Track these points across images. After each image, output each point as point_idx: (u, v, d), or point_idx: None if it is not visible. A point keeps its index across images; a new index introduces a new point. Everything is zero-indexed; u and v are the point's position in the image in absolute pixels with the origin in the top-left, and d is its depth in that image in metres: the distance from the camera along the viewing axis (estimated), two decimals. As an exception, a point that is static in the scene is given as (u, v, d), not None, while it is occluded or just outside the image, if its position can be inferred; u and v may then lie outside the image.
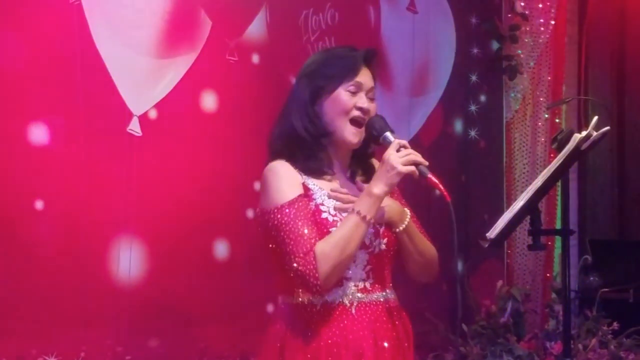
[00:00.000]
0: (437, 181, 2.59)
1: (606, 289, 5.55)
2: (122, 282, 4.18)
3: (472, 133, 5.79)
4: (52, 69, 4.03)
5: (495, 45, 5.87)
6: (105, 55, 4.16)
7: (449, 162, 5.67)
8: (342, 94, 2.66)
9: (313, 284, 2.53)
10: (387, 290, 2.75)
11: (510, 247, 5.77)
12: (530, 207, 3.08)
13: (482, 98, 5.84)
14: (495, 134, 5.91)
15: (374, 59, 2.75)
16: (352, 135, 2.67)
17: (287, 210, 2.56)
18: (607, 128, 3.08)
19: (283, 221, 2.55)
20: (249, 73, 4.64)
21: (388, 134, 2.64)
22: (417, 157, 2.59)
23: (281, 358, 2.63)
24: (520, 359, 4.95)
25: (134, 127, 4.26)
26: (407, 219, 2.75)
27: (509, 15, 5.88)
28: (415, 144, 5.37)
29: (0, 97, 3.92)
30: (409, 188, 2.93)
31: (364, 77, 2.69)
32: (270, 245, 2.62)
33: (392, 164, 2.55)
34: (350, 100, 2.66)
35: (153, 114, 4.31)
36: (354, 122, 2.67)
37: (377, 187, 2.57)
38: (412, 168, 2.57)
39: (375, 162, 2.81)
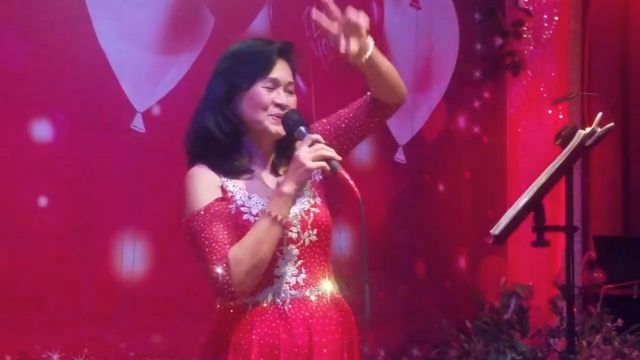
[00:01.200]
0: (347, 177, 2.47)
1: (610, 286, 5.54)
2: (125, 279, 4.19)
3: (476, 129, 5.78)
4: (55, 65, 4.04)
5: (498, 41, 5.86)
6: (108, 51, 4.16)
7: (453, 158, 5.67)
8: (259, 90, 2.58)
9: (227, 291, 2.48)
10: (324, 283, 2.64)
11: (513, 243, 5.76)
12: (534, 204, 3.07)
13: (486, 94, 5.84)
14: (498, 130, 5.91)
15: (290, 52, 2.66)
16: (272, 125, 2.58)
17: (202, 217, 2.51)
18: (612, 124, 3.07)
19: (199, 228, 2.51)
20: (251, 69, 4.63)
21: (302, 128, 2.55)
22: (329, 152, 2.49)
23: (215, 358, 2.59)
24: (523, 355, 4.95)
25: (138, 123, 4.26)
26: (371, 44, 2.57)
27: (513, 11, 5.87)
28: (418, 140, 5.42)
29: (4, 94, 3.92)
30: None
31: (280, 72, 2.61)
32: (193, 253, 2.56)
33: (301, 160, 2.47)
34: (267, 97, 2.58)
35: (156, 111, 4.32)
36: (273, 116, 2.59)
37: (287, 185, 2.50)
38: (322, 163, 2.48)
39: None
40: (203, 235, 2.50)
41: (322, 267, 2.64)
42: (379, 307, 4.95)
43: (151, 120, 4.28)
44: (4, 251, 3.90)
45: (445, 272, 5.61)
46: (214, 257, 2.47)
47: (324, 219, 2.64)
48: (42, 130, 3.99)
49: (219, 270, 2.47)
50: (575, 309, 3.91)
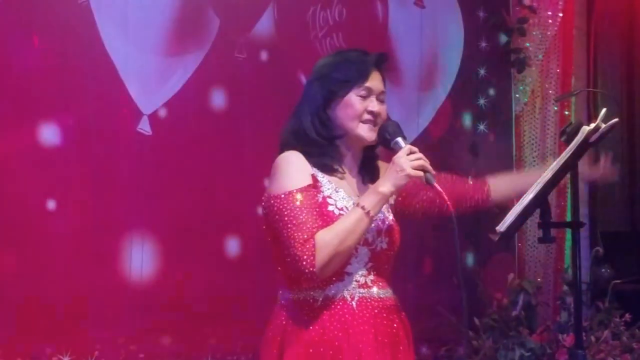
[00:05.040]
0: (441, 190, 2.65)
1: (618, 281, 5.53)
2: (134, 281, 4.20)
3: (481, 127, 5.79)
4: (61, 69, 4.05)
5: (503, 38, 5.86)
6: (114, 54, 4.18)
7: (459, 156, 5.67)
8: (354, 98, 2.72)
9: (309, 271, 2.56)
10: (388, 289, 2.78)
11: (521, 240, 5.77)
12: (540, 200, 3.06)
13: (491, 91, 5.84)
14: (504, 127, 5.91)
15: (384, 62, 2.82)
16: (366, 132, 2.74)
17: (294, 197, 2.61)
18: (616, 120, 3.07)
19: (289, 207, 2.60)
20: (257, 70, 4.65)
21: (399, 139, 2.71)
22: (426, 163, 2.66)
23: (281, 352, 2.66)
24: (532, 352, 4.95)
25: (144, 126, 4.28)
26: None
27: (517, 8, 5.87)
28: (424, 138, 5.42)
29: (11, 98, 3.94)
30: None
31: (375, 81, 2.76)
32: (273, 233, 2.65)
33: (402, 165, 2.62)
34: (361, 105, 2.72)
35: (162, 113, 4.33)
36: (366, 123, 2.74)
37: (384, 186, 2.63)
38: (420, 173, 2.64)
39: (381, 164, 2.88)
40: (293, 214, 2.59)
41: (387, 274, 2.79)
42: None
43: (157, 123, 4.30)
44: (13, 255, 3.92)
45: (453, 269, 5.61)
46: (302, 237, 2.57)
47: (396, 232, 2.82)
48: (49, 134, 4.01)
49: (304, 249, 2.56)
50: (583, 305, 3.91)
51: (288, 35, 4.78)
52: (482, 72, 5.78)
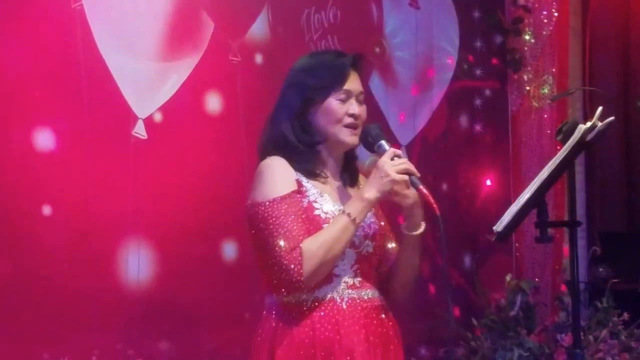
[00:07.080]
0: (427, 193, 2.64)
1: (616, 280, 5.54)
2: (131, 286, 4.19)
3: (478, 127, 5.78)
4: (55, 74, 4.04)
5: (498, 38, 5.86)
6: (108, 59, 4.16)
7: (456, 157, 5.67)
8: (333, 103, 2.71)
9: (296, 280, 2.56)
10: (375, 290, 2.78)
11: (518, 240, 5.76)
12: (537, 200, 3.06)
13: (487, 92, 5.84)
14: (500, 127, 5.91)
15: (361, 63, 2.80)
16: (348, 136, 2.73)
17: (278, 205, 2.60)
18: (612, 118, 3.07)
19: (274, 214, 2.59)
20: (252, 73, 4.64)
21: (383, 142, 2.71)
22: (411, 167, 2.64)
23: (271, 355, 2.66)
24: (530, 352, 4.95)
25: (139, 130, 4.27)
26: (422, 228, 2.81)
27: (512, 8, 5.88)
28: (421, 139, 5.42)
29: (5, 104, 3.93)
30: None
31: (353, 83, 2.74)
32: (258, 240, 2.65)
33: (387, 171, 2.61)
34: (341, 109, 2.71)
35: (158, 117, 4.32)
36: (348, 127, 2.73)
37: (369, 192, 2.63)
38: (405, 177, 2.63)
39: (360, 164, 2.90)
40: (278, 222, 2.59)
41: (373, 276, 2.79)
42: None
43: (153, 127, 4.29)
44: (10, 261, 3.90)
45: (452, 271, 5.61)
46: (288, 246, 2.56)
47: (382, 237, 2.81)
48: (44, 139, 4.00)
49: (291, 259, 2.55)
50: (581, 304, 3.90)
51: (283, 38, 4.77)
52: (477, 72, 5.77)
